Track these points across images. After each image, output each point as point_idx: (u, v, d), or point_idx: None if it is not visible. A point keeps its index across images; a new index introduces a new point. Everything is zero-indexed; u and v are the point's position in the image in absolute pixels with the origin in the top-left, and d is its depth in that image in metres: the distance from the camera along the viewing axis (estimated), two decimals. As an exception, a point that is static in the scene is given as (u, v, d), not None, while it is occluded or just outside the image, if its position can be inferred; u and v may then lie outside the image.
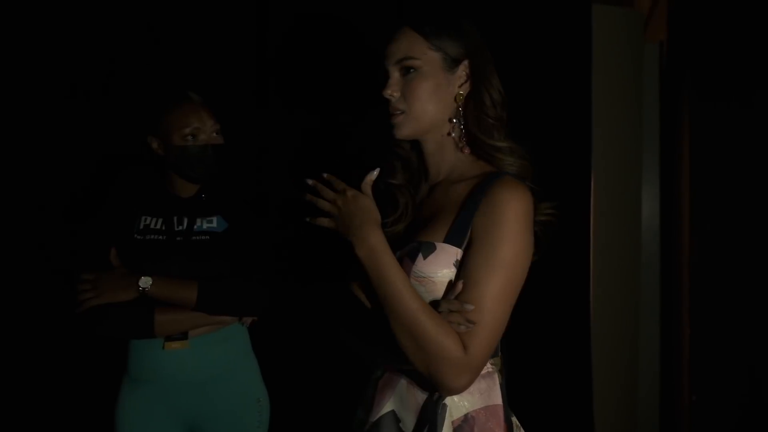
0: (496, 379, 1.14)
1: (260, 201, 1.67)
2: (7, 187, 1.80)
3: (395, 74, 1.13)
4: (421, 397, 1.10)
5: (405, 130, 1.13)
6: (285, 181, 1.95)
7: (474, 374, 1.03)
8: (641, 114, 2.78)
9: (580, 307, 2.16)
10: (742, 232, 2.17)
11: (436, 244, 1.09)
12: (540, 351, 2.11)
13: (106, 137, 1.82)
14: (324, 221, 1.08)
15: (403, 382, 1.13)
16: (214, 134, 1.54)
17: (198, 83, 1.79)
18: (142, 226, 1.55)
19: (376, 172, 1.08)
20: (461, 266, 1.08)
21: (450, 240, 1.09)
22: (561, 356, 2.13)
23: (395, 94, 1.12)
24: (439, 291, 1.09)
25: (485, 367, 1.12)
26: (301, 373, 1.92)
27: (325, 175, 1.06)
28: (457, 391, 1.03)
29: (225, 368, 1.57)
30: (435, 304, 1.08)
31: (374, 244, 1.03)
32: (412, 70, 1.12)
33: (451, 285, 1.09)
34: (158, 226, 1.55)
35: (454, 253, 1.08)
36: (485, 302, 1.02)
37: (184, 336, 1.49)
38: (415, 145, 1.21)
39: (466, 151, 1.16)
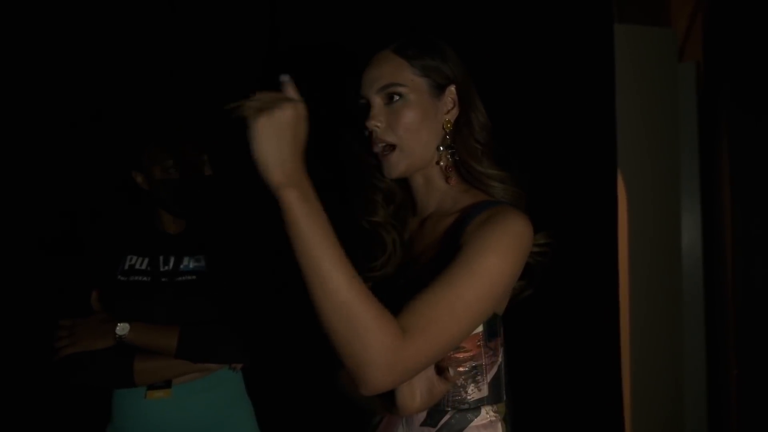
0: (500, 429, 1.03)
1: (254, 238, 1.56)
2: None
3: (378, 102, 1.03)
4: None
5: (399, 168, 1.03)
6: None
7: (403, 372, 0.84)
8: (678, 137, 2.61)
9: (609, 346, 1.97)
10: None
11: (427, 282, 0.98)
12: (568, 398, 1.92)
13: (94, 173, 1.77)
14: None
15: (401, 427, 1.03)
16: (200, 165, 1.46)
17: (197, 110, 1.73)
18: (126, 267, 1.47)
19: (286, 77, 0.84)
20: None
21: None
22: (592, 407, 1.94)
23: (380, 124, 1.02)
24: None
25: (487, 416, 1.02)
26: (301, 418, 1.79)
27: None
28: (380, 386, 0.83)
29: (215, 416, 1.45)
30: None
31: (296, 189, 0.79)
32: (397, 98, 1.02)
33: None
34: (143, 266, 1.47)
35: None
36: (454, 305, 0.86)
37: (167, 384, 1.39)
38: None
39: (452, 181, 1.06)
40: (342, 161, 1.16)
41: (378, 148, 1.03)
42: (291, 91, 0.83)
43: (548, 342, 1.89)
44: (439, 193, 1.08)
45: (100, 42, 1.76)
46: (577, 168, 1.95)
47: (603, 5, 2.03)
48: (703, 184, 2.61)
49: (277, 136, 0.78)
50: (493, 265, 0.90)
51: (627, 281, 2.50)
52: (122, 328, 1.35)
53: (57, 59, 1.75)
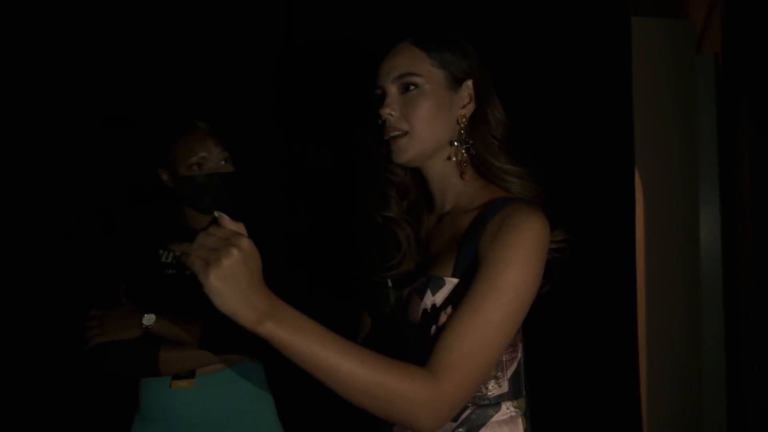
0: (520, 424, 1.04)
1: (275, 232, 1.60)
2: (19, 224, 1.81)
3: (393, 91, 1.04)
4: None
5: (408, 153, 1.03)
6: (302, 213, 1.90)
7: (452, 406, 0.87)
8: (696, 129, 2.59)
9: (626, 343, 1.97)
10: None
11: (446, 278, 1.00)
12: (585, 393, 1.94)
13: (122, 171, 1.82)
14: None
15: None
16: (222, 162, 1.50)
17: (218, 110, 1.78)
18: (153, 260, 1.52)
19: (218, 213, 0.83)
20: (465, 288, 0.94)
21: (459, 273, 0.99)
22: (608, 401, 1.95)
23: (394, 112, 1.03)
24: None
25: (507, 411, 1.03)
26: (319, 411, 1.83)
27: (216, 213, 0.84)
28: (436, 428, 0.87)
29: (235, 408, 1.50)
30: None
31: (269, 319, 0.79)
32: (412, 88, 1.02)
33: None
34: (169, 260, 1.51)
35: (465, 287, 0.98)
36: (485, 330, 0.88)
37: (191, 374, 1.43)
38: (414, 171, 1.12)
39: (467, 176, 1.06)
40: (356, 156, 1.17)
41: (389, 135, 1.03)
42: (228, 223, 0.81)
43: (565, 338, 1.90)
44: (455, 189, 1.08)
45: (127, 44, 1.82)
46: (593, 163, 1.95)
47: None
48: (722, 177, 2.59)
49: (232, 284, 0.77)
50: (515, 277, 0.90)
51: (644, 276, 2.50)
52: (149, 319, 1.39)
53: (88, 61, 1.81)
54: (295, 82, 1.91)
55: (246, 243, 0.78)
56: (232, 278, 0.77)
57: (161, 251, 1.54)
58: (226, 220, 0.81)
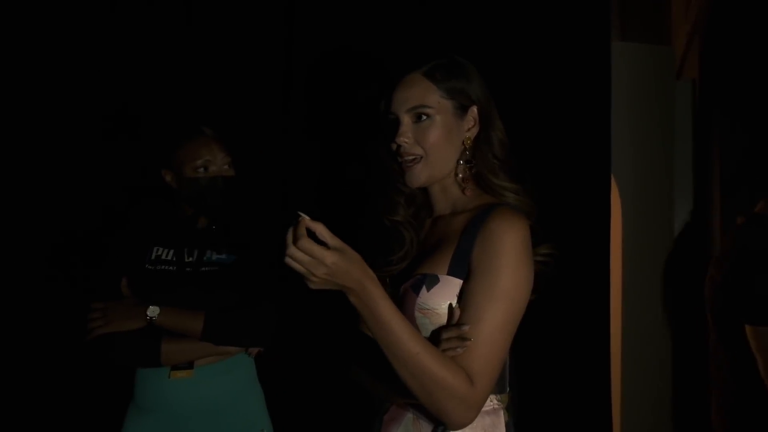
0: (502, 417, 1.14)
1: (271, 233, 1.68)
2: (20, 220, 1.88)
3: (407, 120, 1.15)
4: (426, 429, 1.11)
5: (421, 178, 1.15)
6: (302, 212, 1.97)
7: (480, 407, 1.03)
8: (673, 154, 2.71)
9: (598, 352, 2.06)
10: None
11: (440, 276, 1.11)
12: (558, 397, 2.02)
13: (124, 170, 1.90)
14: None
15: (409, 416, 1.14)
16: (225, 166, 1.59)
17: (222, 115, 1.87)
18: (153, 257, 1.59)
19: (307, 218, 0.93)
20: (461, 296, 1.08)
21: (453, 272, 1.10)
22: (579, 409, 2.03)
23: (408, 140, 1.14)
24: (444, 322, 1.10)
25: (491, 404, 1.13)
26: (306, 405, 1.91)
27: (318, 232, 0.92)
28: (464, 425, 1.03)
29: (230, 398, 1.57)
30: (437, 333, 1.10)
31: (365, 293, 0.96)
32: (424, 118, 1.14)
33: (450, 313, 1.09)
34: (169, 257, 1.59)
35: (458, 284, 1.10)
36: (493, 336, 1.03)
37: (189, 365, 1.51)
38: None
39: (468, 192, 1.18)
40: (366, 164, 1.27)
41: (404, 159, 1.15)
42: (309, 224, 0.92)
43: (539, 346, 1.96)
44: (452, 198, 1.20)
45: (133, 48, 1.90)
46: (572, 182, 2.02)
47: (601, 23, 2.12)
48: (697, 199, 2.71)
49: (327, 285, 0.95)
50: (508, 283, 1.04)
51: (622, 304, 2.59)
52: (153, 311, 1.47)
53: (96, 64, 1.89)
54: (299, 89, 1.99)
55: (331, 259, 0.92)
56: (324, 284, 0.94)
57: (159, 248, 1.62)
58: (307, 221, 0.93)
